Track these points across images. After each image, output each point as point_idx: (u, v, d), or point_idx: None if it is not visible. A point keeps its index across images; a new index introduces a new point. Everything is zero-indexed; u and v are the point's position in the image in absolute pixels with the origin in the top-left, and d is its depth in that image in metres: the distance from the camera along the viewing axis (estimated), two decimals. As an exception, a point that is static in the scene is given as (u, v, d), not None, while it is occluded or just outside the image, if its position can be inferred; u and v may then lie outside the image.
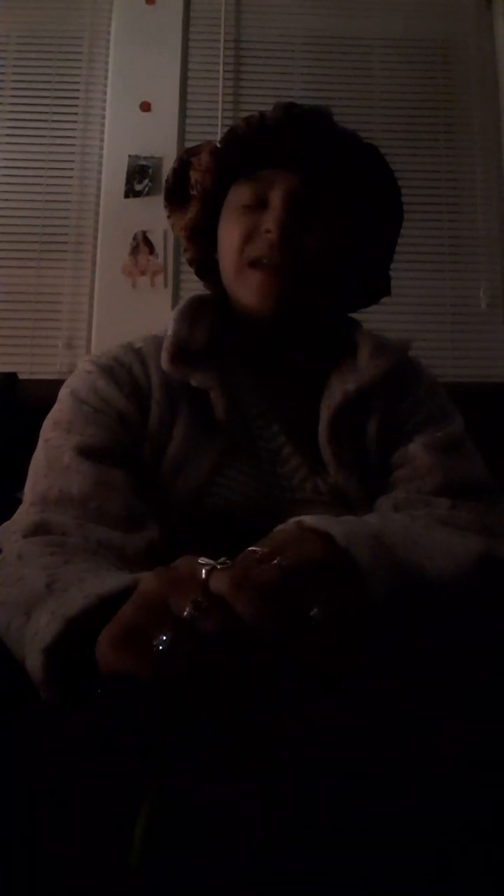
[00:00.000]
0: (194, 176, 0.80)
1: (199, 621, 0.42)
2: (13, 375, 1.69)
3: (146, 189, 2.23)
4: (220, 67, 2.35)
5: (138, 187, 2.24)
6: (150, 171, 2.23)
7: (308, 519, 0.55)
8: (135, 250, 2.22)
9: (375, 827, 0.42)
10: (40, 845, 0.41)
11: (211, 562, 0.46)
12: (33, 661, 0.48)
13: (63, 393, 0.76)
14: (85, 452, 0.69)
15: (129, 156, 2.26)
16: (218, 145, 0.79)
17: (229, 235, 0.77)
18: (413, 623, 0.53)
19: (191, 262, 0.86)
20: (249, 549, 0.50)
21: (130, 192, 2.25)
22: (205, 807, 0.41)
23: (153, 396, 0.75)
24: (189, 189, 0.81)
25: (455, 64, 2.41)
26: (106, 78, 2.33)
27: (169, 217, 0.86)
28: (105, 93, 2.32)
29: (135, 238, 2.22)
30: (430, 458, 0.74)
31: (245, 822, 0.40)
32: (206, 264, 0.84)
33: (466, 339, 2.26)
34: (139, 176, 2.24)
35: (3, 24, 2.38)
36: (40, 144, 2.31)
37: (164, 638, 0.41)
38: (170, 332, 0.77)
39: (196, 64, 2.37)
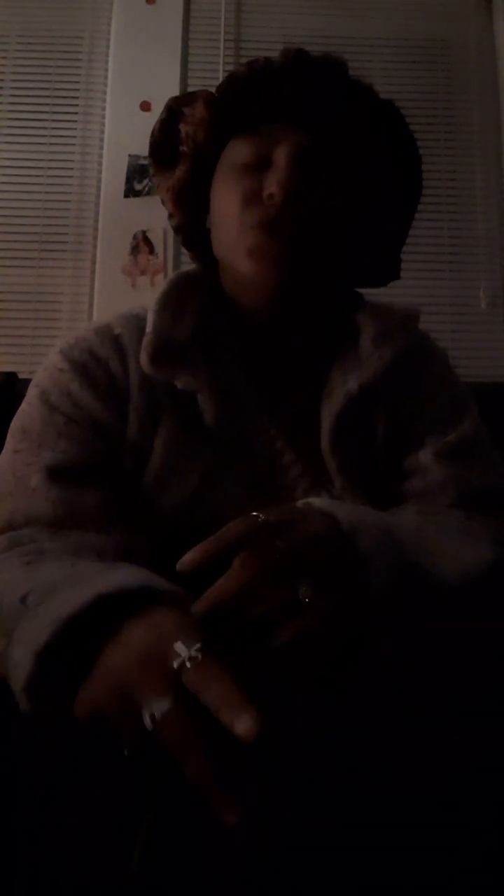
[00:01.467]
0: (185, 129, 0.70)
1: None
2: (13, 375, 1.68)
3: (146, 189, 2.23)
4: (220, 67, 2.34)
5: (138, 187, 2.24)
6: (151, 170, 2.23)
7: (317, 501, 0.52)
8: (135, 250, 2.21)
9: (374, 829, 0.41)
10: (40, 846, 0.41)
11: (184, 650, 0.41)
12: (18, 696, 0.45)
13: (32, 393, 0.68)
14: (54, 475, 0.61)
15: (129, 155, 2.25)
16: (214, 94, 0.68)
17: (226, 199, 0.67)
18: (413, 624, 0.52)
19: (177, 230, 0.77)
20: (252, 513, 0.47)
21: (130, 192, 2.24)
22: (205, 807, 0.40)
23: (131, 400, 0.66)
24: (178, 144, 0.72)
25: (455, 64, 2.40)
26: (106, 78, 2.33)
27: (154, 176, 0.77)
28: (105, 93, 2.32)
29: (135, 238, 2.22)
30: (443, 470, 0.68)
31: (245, 824, 0.39)
32: (194, 232, 0.74)
33: (466, 339, 2.26)
34: (139, 176, 2.24)
35: (3, 24, 2.37)
36: (40, 144, 2.31)
37: (155, 713, 0.39)
38: (149, 328, 0.67)
39: (196, 64, 2.36)
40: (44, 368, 0.69)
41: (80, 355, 0.68)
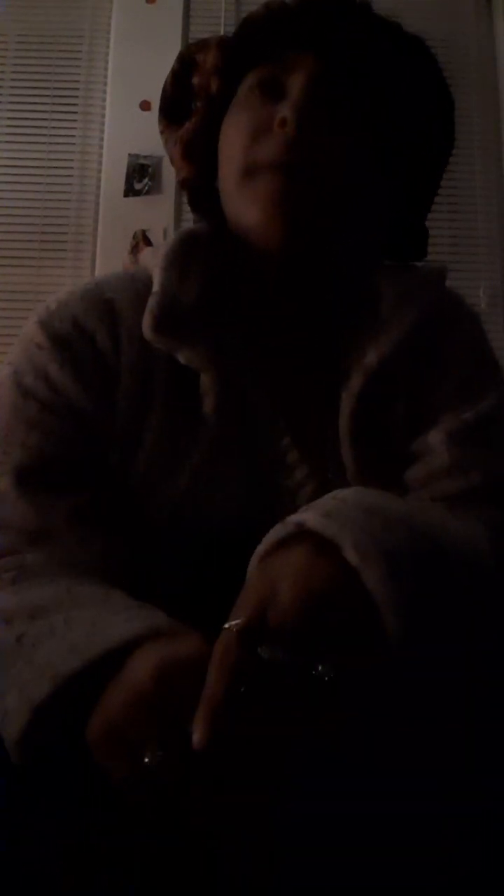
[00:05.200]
0: (198, 81, 0.71)
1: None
2: (13, 375, 1.67)
3: (146, 188, 2.23)
4: (220, 67, 2.34)
5: (138, 186, 2.24)
6: (150, 169, 2.23)
7: (311, 520, 0.42)
8: (134, 249, 2.21)
9: (375, 832, 0.41)
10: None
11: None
12: (10, 748, 0.42)
13: (4, 373, 0.59)
14: (23, 478, 0.54)
15: (129, 155, 2.25)
16: (228, 37, 0.64)
17: (234, 133, 0.60)
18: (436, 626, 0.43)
19: (183, 184, 0.75)
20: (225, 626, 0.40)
21: (130, 191, 2.24)
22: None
23: (121, 383, 0.57)
24: (190, 100, 0.70)
25: (455, 64, 2.40)
26: (106, 77, 2.33)
27: (162, 133, 0.75)
28: (105, 92, 2.32)
29: (134, 237, 2.21)
30: (451, 454, 0.58)
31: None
32: (201, 191, 0.67)
33: (466, 339, 2.26)
34: (139, 175, 2.24)
35: (3, 24, 2.37)
36: (40, 144, 2.31)
37: (156, 753, 0.36)
38: (156, 287, 0.58)
39: (196, 63, 2.37)
40: (19, 341, 0.60)
41: (61, 327, 0.58)
